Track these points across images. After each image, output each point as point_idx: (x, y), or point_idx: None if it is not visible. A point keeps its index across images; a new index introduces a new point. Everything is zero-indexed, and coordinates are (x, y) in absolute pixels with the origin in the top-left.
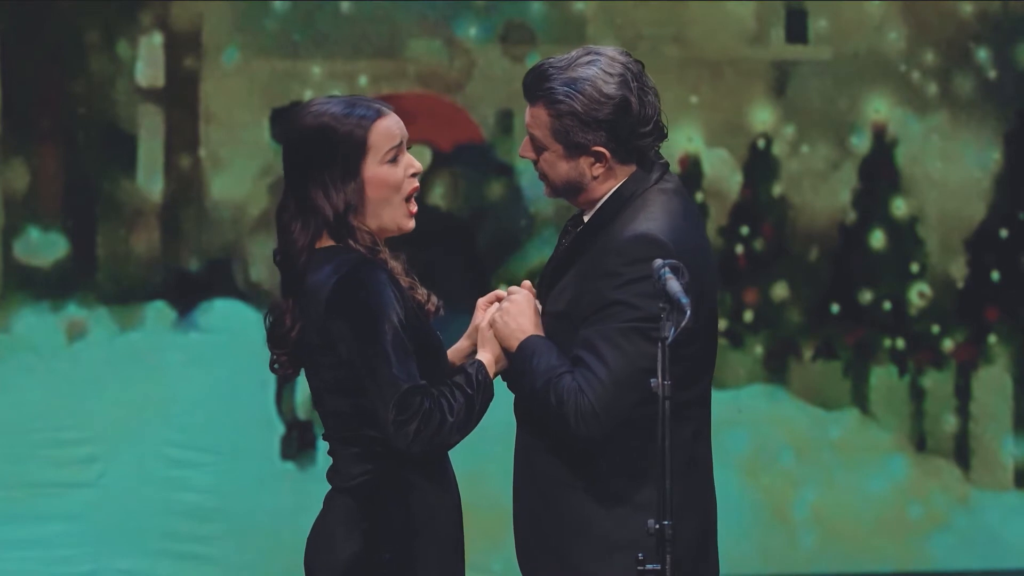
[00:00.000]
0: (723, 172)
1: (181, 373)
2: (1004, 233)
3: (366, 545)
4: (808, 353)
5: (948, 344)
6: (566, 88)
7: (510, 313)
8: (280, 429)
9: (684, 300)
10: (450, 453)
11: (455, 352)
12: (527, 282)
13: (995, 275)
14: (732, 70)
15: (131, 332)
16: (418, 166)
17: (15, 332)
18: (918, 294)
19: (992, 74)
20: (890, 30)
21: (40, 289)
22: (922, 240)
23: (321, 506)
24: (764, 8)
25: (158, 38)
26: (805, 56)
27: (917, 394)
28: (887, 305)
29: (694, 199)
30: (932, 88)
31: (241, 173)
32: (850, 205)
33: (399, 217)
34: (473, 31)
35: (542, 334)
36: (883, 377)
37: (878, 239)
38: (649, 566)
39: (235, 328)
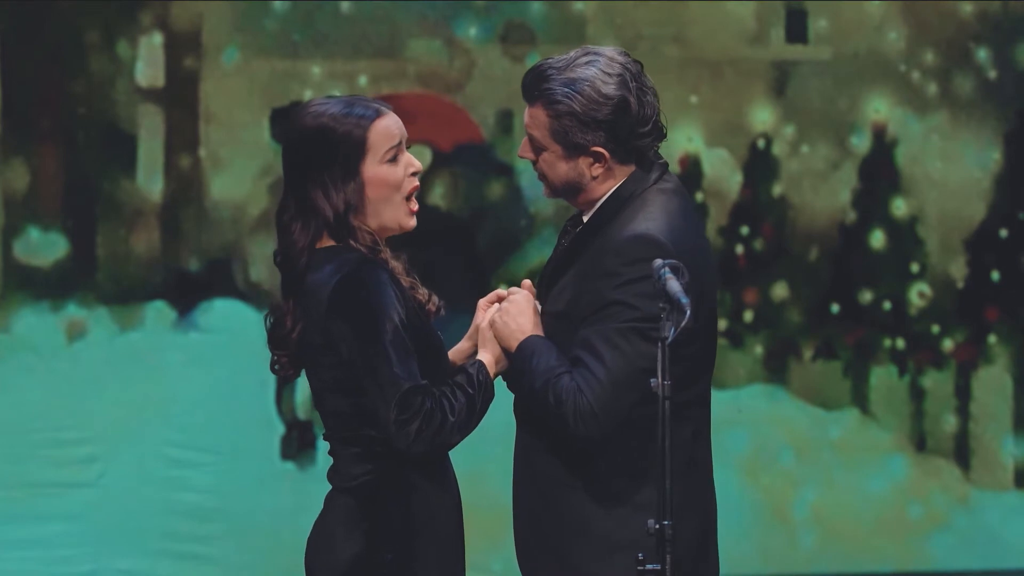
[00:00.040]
0: (723, 172)
1: (181, 373)
2: (1004, 233)
3: (366, 545)
4: (808, 353)
5: (948, 344)
6: (565, 89)
7: (509, 313)
8: (280, 429)
9: (684, 300)
10: (450, 453)
11: (456, 352)
12: (527, 281)
13: (995, 275)
14: (732, 70)
15: (131, 332)
16: (418, 165)
17: (15, 332)
18: (918, 294)
19: (992, 74)
20: (890, 30)
21: (40, 289)
22: (922, 240)
23: (321, 506)
24: (764, 8)
25: (158, 38)
26: (805, 56)
27: (917, 394)
28: (887, 305)
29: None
30: (932, 88)
31: (241, 173)
32: (850, 205)
33: (400, 216)
34: (473, 31)
35: (542, 334)
36: (883, 377)
37: (878, 239)
38: (649, 566)
39: (235, 328)
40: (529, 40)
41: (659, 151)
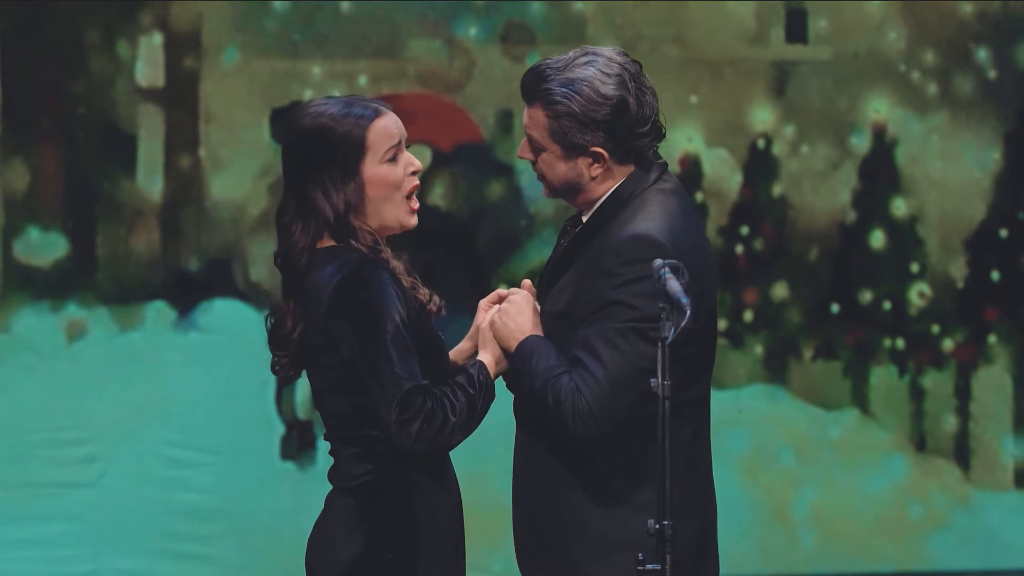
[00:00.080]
0: (723, 172)
1: (181, 373)
2: (1004, 233)
3: (367, 545)
4: (808, 353)
5: (948, 344)
6: (564, 89)
7: (509, 314)
8: (280, 429)
9: (684, 300)
10: (451, 453)
11: (457, 353)
12: (527, 281)
13: (995, 275)
14: (732, 70)
15: (131, 332)
16: (417, 164)
17: (15, 332)
18: (918, 294)
19: (992, 74)
20: (890, 30)
21: (40, 289)
22: (922, 240)
23: (321, 506)
24: (764, 8)
25: (158, 38)
26: (805, 56)
27: (917, 394)
28: (887, 305)
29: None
30: (932, 88)
31: (241, 173)
32: (850, 205)
33: (401, 214)
34: (473, 31)
35: (541, 334)
36: (883, 377)
37: (878, 239)
38: (649, 566)
39: (235, 328)
40: (529, 40)
41: (658, 151)
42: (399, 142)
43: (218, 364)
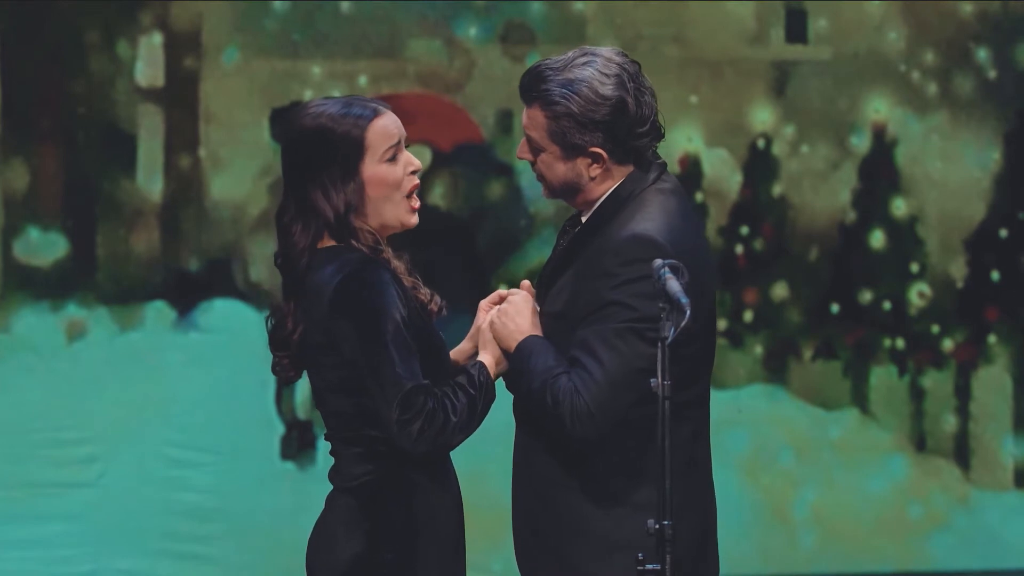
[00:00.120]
0: (723, 172)
1: (181, 373)
2: (1004, 233)
3: (367, 545)
4: (808, 353)
5: (948, 344)
6: (562, 89)
7: (508, 314)
8: (280, 429)
9: (684, 300)
10: (451, 453)
11: (457, 353)
12: (526, 282)
13: (995, 275)
14: (732, 70)
15: (131, 332)
16: (417, 164)
17: (15, 332)
18: (918, 294)
19: (992, 74)
20: (890, 30)
21: (40, 289)
22: (922, 240)
23: (321, 506)
24: (764, 8)
25: (158, 38)
26: (805, 56)
27: (917, 394)
28: (887, 305)
29: (692, 199)
30: (932, 88)
31: (241, 173)
32: (850, 205)
33: (402, 213)
34: (473, 31)
35: (540, 335)
36: (883, 377)
37: (878, 239)
38: (649, 566)
39: (235, 328)
40: (529, 40)
41: (658, 151)
42: (398, 141)
43: (218, 364)
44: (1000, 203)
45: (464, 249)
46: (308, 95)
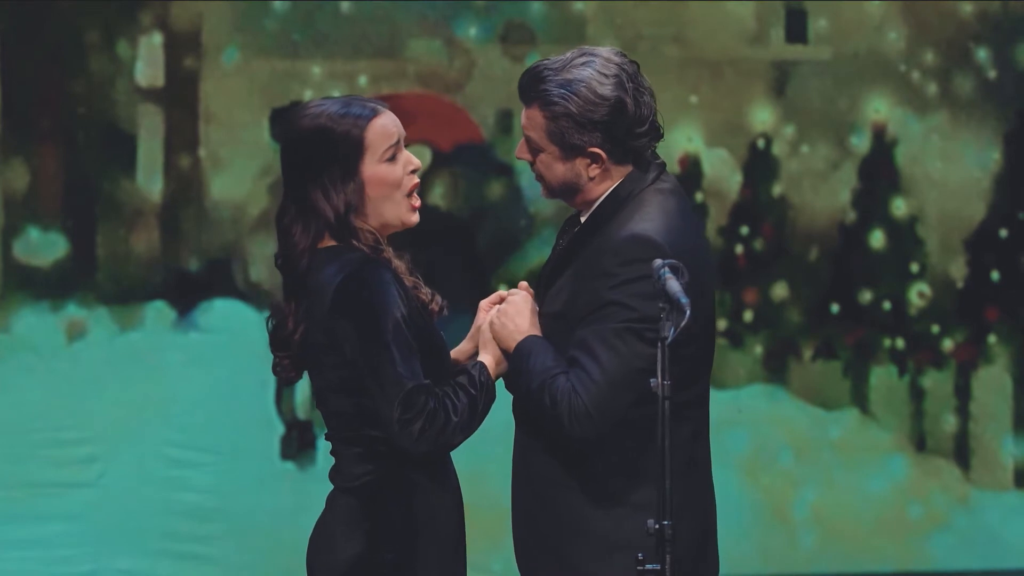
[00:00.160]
0: (723, 172)
1: (181, 373)
2: (1004, 233)
3: (367, 545)
4: (808, 353)
5: (948, 344)
6: (561, 90)
7: (507, 314)
8: (280, 429)
9: (684, 300)
10: (451, 453)
11: (458, 353)
12: (524, 283)
13: (995, 275)
14: (732, 70)
15: (131, 332)
16: (417, 163)
17: (15, 332)
18: (918, 294)
19: (992, 74)
20: (890, 30)
21: (40, 289)
22: (922, 240)
23: (321, 506)
24: (764, 8)
25: (158, 38)
26: (805, 56)
27: (917, 394)
28: (887, 305)
29: (691, 199)
30: (932, 88)
31: (241, 173)
32: (850, 205)
33: (402, 212)
34: (473, 31)
35: (540, 335)
36: (883, 377)
37: (878, 239)
38: (649, 566)
39: (235, 328)
40: (529, 40)
41: (657, 151)
42: (398, 141)
43: (218, 364)
44: (1000, 203)
45: (464, 249)
46: (308, 95)
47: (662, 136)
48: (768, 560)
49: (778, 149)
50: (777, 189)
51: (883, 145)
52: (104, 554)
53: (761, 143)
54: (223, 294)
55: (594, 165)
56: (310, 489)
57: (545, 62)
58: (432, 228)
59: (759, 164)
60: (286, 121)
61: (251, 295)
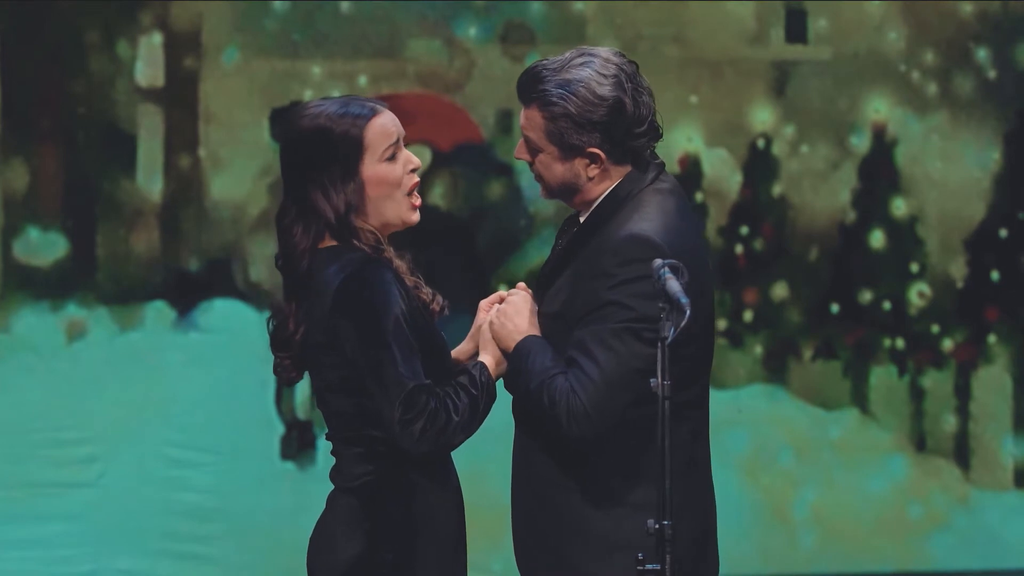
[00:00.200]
0: (723, 172)
1: (181, 373)
2: (1004, 233)
3: (367, 545)
4: (808, 353)
5: (948, 344)
6: (560, 90)
7: (507, 314)
8: (280, 429)
9: (684, 300)
10: (451, 453)
11: (458, 353)
12: (522, 284)
13: (995, 275)
14: (732, 70)
15: (131, 332)
16: (416, 162)
17: (15, 332)
18: (918, 294)
19: (992, 74)
20: (890, 30)
21: (40, 289)
22: (922, 240)
23: (321, 506)
24: (764, 8)
25: (158, 38)
26: (805, 56)
27: (917, 394)
28: (887, 305)
29: (691, 199)
30: (932, 88)
31: (241, 173)
32: (850, 205)
33: (403, 211)
34: (473, 31)
35: (539, 335)
36: (883, 377)
37: (878, 239)
38: (649, 566)
39: (235, 328)
40: (529, 40)
41: (657, 151)
42: (397, 140)
43: (218, 364)
44: (1000, 203)
45: (464, 249)
46: (308, 95)
47: (661, 136)
48: (768, 560)
49: (778, 149)
50: (777, 189)
51: (883, 145)
52: (104, 554)
53: (761, 143)
54: (223, 294)
55: (593, 165)
56: (310, 489)
57: (544, 62)
58: (432, 228)
59: (759, 164)
60: (285, 122)
61: (251, 295)
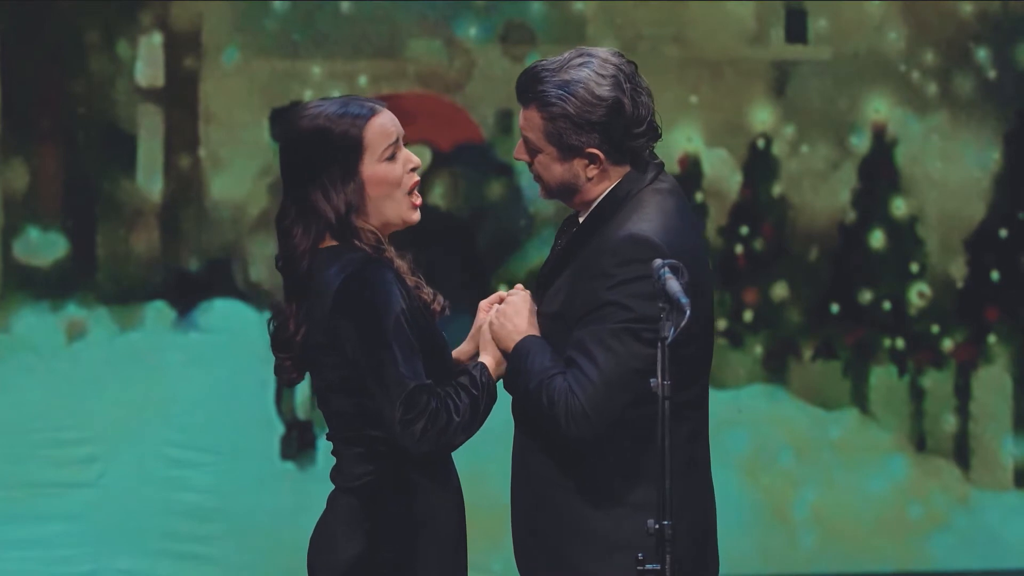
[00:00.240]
0: (723, 172)
1: (181, 373)
2: (1004, 233)
3: (368, 545)
4: (808, 353)
5: (948, 344)
6: (559, 91)
7: (506, 314)
8: (280, 429)
9: (684, 300)
10: (451, 453)
11: (459, 354)
12: (520, 285)
13: (995, 275)
14: (732, 70)
15: (131, 332)
16: (416, 161)
17: (15, 332)
18: (918, 294)
19: (992, 74)
20: (890, 30)
21: (40, 289)
22: (922, 240)
23: (322, 506)
24: (764, 8)
25: (158, 38)
26: (805, 56)
27: (917, 394)
28: (887, 305)
29: (691, 199)
30: (932, 88)
31: (241, 173)
32: (850, 205)
33: (403, 211)
34: (473, 31)
35: (538, 335)
36: (883, 377)
37: (878, 239)
38: (649, 566)
39: (235, 328)
40: (529, 40)
41: (657, 151)
42: (396, 139)
43: (218, 364)
44: (1000, 203)
45: (464, 249)
46: (308, 95)
47: (660, 136)
48: (768, 560)
49: (778, 149)
50: (777, 189)
51: (883, 145)
52: (104, 554)
53: (761, 143)
54: (223, 294)
55: (592, 166)
56: (310, 489)
57: (543, 63)
58: (432, 228)
59: (759, 164)
60: (285, 122)
61: (251, 295)
